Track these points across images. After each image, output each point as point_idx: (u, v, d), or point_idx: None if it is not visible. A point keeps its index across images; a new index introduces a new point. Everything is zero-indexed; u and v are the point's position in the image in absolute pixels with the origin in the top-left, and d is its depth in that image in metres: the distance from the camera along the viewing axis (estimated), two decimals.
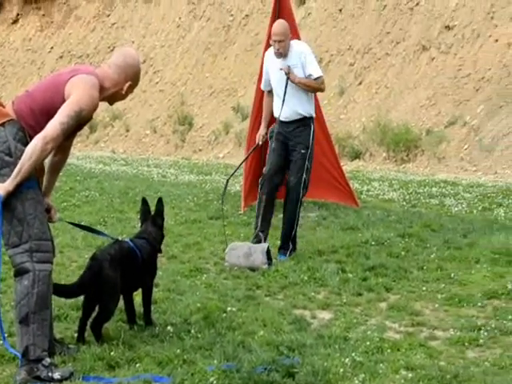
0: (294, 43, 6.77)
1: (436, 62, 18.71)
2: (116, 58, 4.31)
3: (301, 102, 6.83)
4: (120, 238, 4.93)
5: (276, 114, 6.94)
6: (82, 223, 8.38)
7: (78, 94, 4.01)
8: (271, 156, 6.92)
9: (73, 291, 4.61)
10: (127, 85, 4.28)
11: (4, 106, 4.16)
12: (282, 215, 7.10)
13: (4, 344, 4.15)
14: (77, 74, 4.10)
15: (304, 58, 6.70)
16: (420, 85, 18.60)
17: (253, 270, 6.28)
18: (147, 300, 4.87)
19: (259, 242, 6.79)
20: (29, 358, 3.95)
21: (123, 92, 4.30)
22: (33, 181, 4.04)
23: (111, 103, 4.42)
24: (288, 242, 6.92)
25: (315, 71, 6.74)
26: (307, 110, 6.94)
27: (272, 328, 4.76)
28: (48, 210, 4.35)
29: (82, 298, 5.20)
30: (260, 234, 6.91)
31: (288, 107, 6.80)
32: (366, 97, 19.98)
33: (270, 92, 7.04)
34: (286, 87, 6.71)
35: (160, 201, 5.04)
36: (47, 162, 4.43)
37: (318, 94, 7.56)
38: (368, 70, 20.61)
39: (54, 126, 3.94)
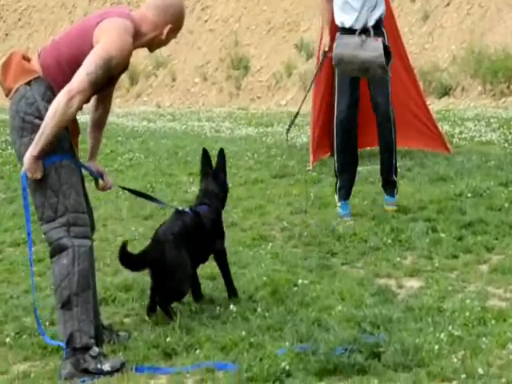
0: None
1: None
2: None
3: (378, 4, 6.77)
4: (180, 208, 4.99)
5: (346, 24, 6.74)
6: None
7: (106, 40, 4.01)
8: (341, 90, 6.79)
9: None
10: (167, 28, 4.24)
11: (30, 60, 4.19)
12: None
13: (42, 337, 4.27)
14: (107, 18, 4.11)
15: None
16: None
17: (365, 69, 6.52)
18: (224, 268, 5.03)
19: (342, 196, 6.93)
20: (75, 347, 4.04)
21: (163, 37, 4.27)
22: (67, 150, 4.12)
23: (151, 50, 4.42)
24: (393, 175, 7.04)
25: None
26: (382, 11, 6.87)
27: (352, 301, 4.78)
28: (100, 175, 4.51)
29: (133, 278, 5.32)
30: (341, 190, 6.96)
31: (363, 13, 6.70)
32: (456, 20, 19.52)
33: None
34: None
35: (221, 153, 5.15)
36: (88, 119, 4.52)
37: (398, 21, 7.37)
38: None
39: (79, 78, 3.97)
